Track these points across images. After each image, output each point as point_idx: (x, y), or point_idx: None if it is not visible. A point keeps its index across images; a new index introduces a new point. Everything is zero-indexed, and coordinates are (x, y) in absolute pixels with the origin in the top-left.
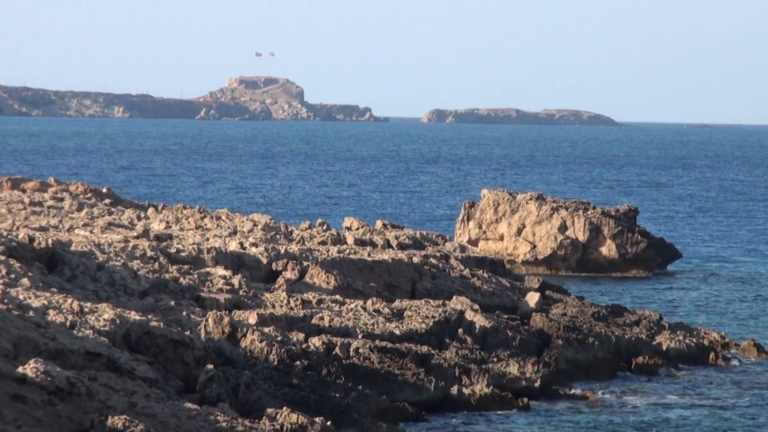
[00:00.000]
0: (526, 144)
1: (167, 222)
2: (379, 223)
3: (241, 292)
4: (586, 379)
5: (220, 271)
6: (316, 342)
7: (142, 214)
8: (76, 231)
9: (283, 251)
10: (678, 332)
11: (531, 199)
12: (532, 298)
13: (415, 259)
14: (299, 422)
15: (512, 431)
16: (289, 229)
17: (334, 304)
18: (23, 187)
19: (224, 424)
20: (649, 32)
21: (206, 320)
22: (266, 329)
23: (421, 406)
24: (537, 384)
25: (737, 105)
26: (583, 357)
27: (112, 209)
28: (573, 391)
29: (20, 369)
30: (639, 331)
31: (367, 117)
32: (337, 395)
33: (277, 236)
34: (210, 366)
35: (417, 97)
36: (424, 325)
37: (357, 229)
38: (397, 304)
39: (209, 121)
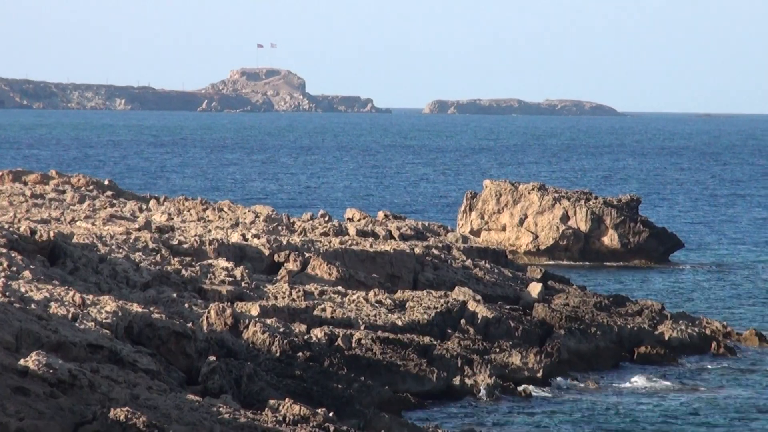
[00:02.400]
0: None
1: (169, 214)
2: (380, 214)
3: (243, 284)
4: (589, 369)
5: (222, 262)
6: (318, 333)
7: (144, 206)
8: (78, 223)
9: (285, 243)
10: (680, 322)
11: (533, 189)
12: (535, 289)
13: (417, 250)
14: (301, 413)
15: (514, 422)
16: (291, 221)
17: (336, 296)
18: (24, 180)
19: (227, 415)
20: (650, 21)
21: (208, 312)
22: (268, 321)
23: (424, 396)
24: (539, 374)
25: (740, 94)
26: (586, 347)
27: (114, 201)
28: (575, 381)
29: (22, 361)
30: (641, 321)
31: (368, 108)
32: (340, 386)
33: (279, 228)
34: (212, 358)
35: (419, 88)
36: (426, 316)
37: (359, 220)
38: (399, 295)
39: (211, 113)
